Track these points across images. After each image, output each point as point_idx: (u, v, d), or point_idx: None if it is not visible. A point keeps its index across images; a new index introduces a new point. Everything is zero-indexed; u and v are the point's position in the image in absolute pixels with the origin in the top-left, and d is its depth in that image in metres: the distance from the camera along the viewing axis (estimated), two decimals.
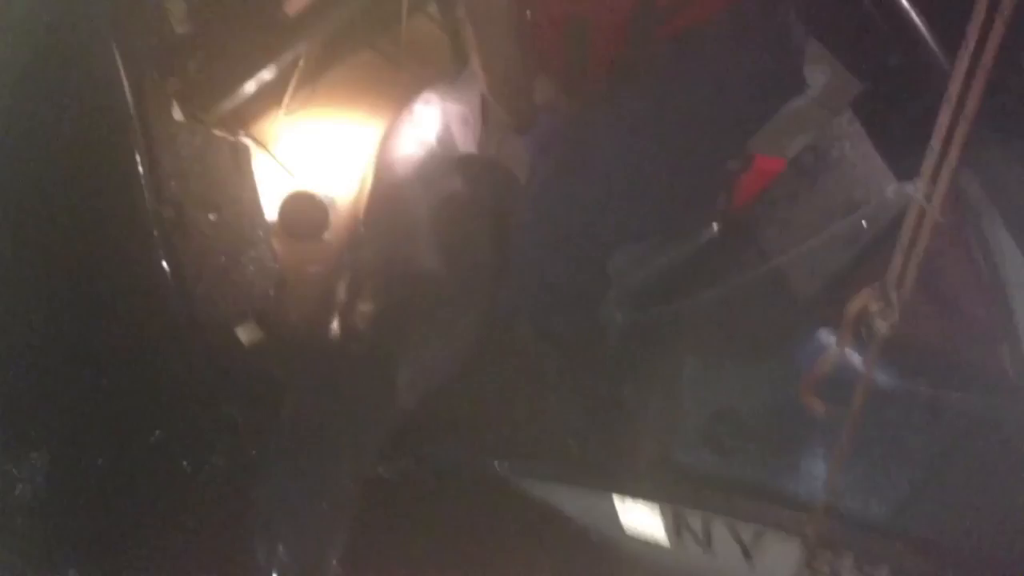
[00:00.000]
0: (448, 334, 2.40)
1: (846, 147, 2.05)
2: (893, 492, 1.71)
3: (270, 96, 3.03)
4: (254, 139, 3.04)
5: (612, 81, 2.20)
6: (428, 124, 2.69)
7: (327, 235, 2.96)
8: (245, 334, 2.51)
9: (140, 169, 2.38)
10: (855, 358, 1.51)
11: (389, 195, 2.62)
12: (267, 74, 2.91)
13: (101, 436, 2.26)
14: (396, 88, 3.01)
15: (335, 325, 2.35)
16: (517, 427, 2.42)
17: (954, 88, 1.18)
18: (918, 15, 1.82)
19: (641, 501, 2.08)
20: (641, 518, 2.11)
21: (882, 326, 1.34)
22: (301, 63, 2.99)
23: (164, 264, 2.35)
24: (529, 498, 2.38)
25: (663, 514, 2.04)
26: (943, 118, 1.20)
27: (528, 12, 2.09)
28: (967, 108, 1.17)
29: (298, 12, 2.82)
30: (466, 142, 2.70)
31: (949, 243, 1.72)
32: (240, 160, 2.80)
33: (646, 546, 2.14)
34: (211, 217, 2.56)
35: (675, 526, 2.03)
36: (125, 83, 2.42)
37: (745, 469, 1.96)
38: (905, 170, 1.83)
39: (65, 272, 2.29)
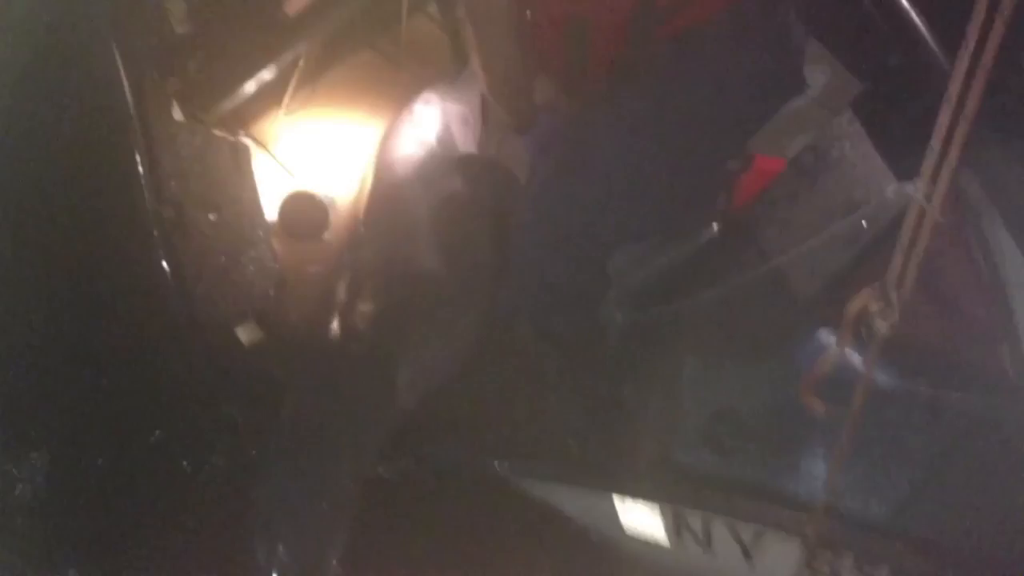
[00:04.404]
0: (448, 334, 2.40)
1: (846, 147, 2.05)
2: (893, 492, 1.71)
3: (270, 96, 3.03)
4: (254, 139, 3.04)
5: (612, 81, 2.20)
6: (428, 124, 2.69)
7: (327, 235, 2.96)
8: (245, 334, 2.51)
9: (140, 169, 2.38)
10: (855, 358, 1.51)
11: (389, 195, 2.62)
12: (267, 74, 2.91)
13: (101, 436, 2.26)
14: (396, 88, 3.01)
15: (335, 325, 2.35)
16: (517, 427, 2.42)
17: (954, 88, 1.18)
18: (918, 15, 1.82)
19: (641, 501, 2.08)
20: (641, 518, 2.11)
21: (882, 326, 1.34)
22: (301, 63, 2.99)
23: (164, 264, 2.35)
24: (529, 498, 2.38)
25: (663, 514, 2.04)
26: (943, 118, 1.20)
27: (528, 12, 2.09)
28: (967, 108, 1.17)
29: (298, 12, 2.82)
30: (466, 142, 2.70)
31: (949, 243, 1.72)
32: (240, 160, 2.80)
33: (646, 546, 2.14)
34: (211, 217, 2.56)
35: (675, 526, 2.03)
36: (125, 83, 2.42)
37: (745, 469, 1.96)
38: (905, 170, 1.83)
39: (65, 272, 2.28)
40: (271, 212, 2.87)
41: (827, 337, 1.86)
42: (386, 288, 2.39)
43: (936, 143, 1.23)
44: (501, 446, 2.39)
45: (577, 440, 2.34)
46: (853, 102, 2.09)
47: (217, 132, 2.79)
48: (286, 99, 3.08)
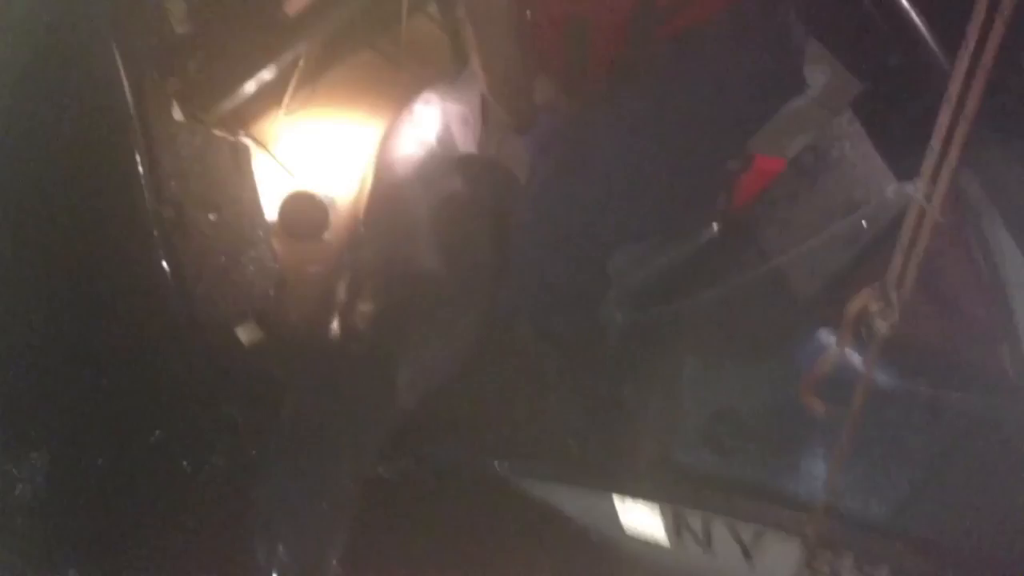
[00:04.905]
0: (448, 334, 2.40)
1: (846, 147, 2.05)
2: (893, 492, 1.71)
3: (270, 96, 3.03)
4: (254, 139, 3.04)
5: (612, 81, 2.21)
6: (428, 124, 2.69)
7: (327, 235, 2.96)
8: (245, 334, 2.51)
9: (140, 169, 2.38)
10: (855, 358, 1.51)
11: (389, 195, 2.62)
12: (267, 74, 2.91)
13: (101, 436, 2.26)
14: (396, 88, 3.01)
15: (335, 325, 2.35)
16: (517, 427, 2.42)
17: (954, 88, 1.18)
18: (918, 15, 1.82)
19: (641, 501, 2.08)
20: (641, 518, 2.11)
21: (882, 326, 1.34)
22: (301, 63, 2.99)
23: (164, 264, 2.35)
24: (529, 498, 2.38)
25: (663, 514, 2.04)
26: (943, 118, 1.20)
27: (528, 12, 2.09)
28: (967, 108, 1.17)
29: (298, 12, 2.82)
30: (466, 142, 2.69)
31: (949, 243, 1.72)
32: (240, 160, 2.80)
33: (646, 546, 2.14)
34: (211, 217, 2.56)
35: (675, 526, 2.03)
36: (125, 83, 2.42)
37: (745, 469, 1.96)
38: (905, 170, 1.83)
39: (65, 272, 2.28)
40: (271, 212, 2.87)
41: (827, 337, 1.86)
42: (386, 288, 2.39)
43: (936, 143, 1.23)
44: (501, 446, 2.39)
45: (577, 440, 2.34)
46: (853, 102, 2.09)
47: (217, 132, 2.79)
48: (286, 99, 3.08)
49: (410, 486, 2.39)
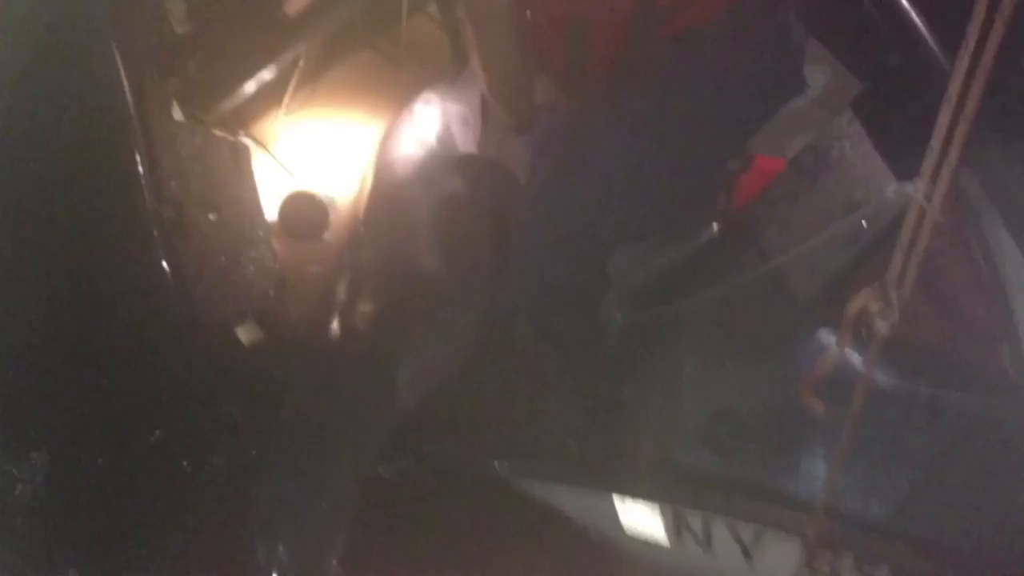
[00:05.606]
0: (448, 334, 2.40)
1: (846, 147, 2.05)
2: (893, 492, 1.71)
3: (270, 96, 3.03)
4: (254, 139, 3.04)
5: (612, 81, 2.20)
6: (428, 124, 2.69)
7: (327, 235, 2.96)
8: (245, 334, 2.51)
9: (140, 169, 2.38)
10: (855, 358, 1.51)
11: (389, 195, 2.62)
12: (267, 74, 2.91)
13: (101, 436, 2.26)
14: (396, 88, 3.01)
15: (335, 325, 2.35)
16: (517, 427, 2.42)
17: (954, 88, 1.18)
18: (918, 15, 1.82)
19: (641, 501, 2.08)
20: (641, 518, 2.11)
21: (882, 326, 1.34)
22: (301, 63, 2.99)
23: (164, 264, 2.35)
24: (529, 498, 2.38)
25: (663, 514, 2.04)
26: (943, 118, 1.20)
27: (528, 12, 2.09)
28: (967, 108, 1.17)
29: (298, 12, 2.83)
30: (466, 142, 2.70)
31: (949, 243, 1.72)
32: (240, 160, 2.80)
33: (646, 546, 2.15)
34: (211, 217, 2.56)
35: (675, 526, 2.03)
36: (125, 83, 2.42)
37: (745, 469, 1.96)
38: (905, 170, 1.83)
39: (65, 272, 2.28)
40: (271, 212, 2.87)
41: (827, 337, 1.86)
42: (386, 288, 2.39)
43: (936, 143, 1.23)
44: (501, 446, 2.39)
45: (577, 440, 2.34)
46: (853, 102, 2.09)
47: (217, 132, 2.79)
48: (286, 99, 3.08)
49: (410, 486, 2.39)
